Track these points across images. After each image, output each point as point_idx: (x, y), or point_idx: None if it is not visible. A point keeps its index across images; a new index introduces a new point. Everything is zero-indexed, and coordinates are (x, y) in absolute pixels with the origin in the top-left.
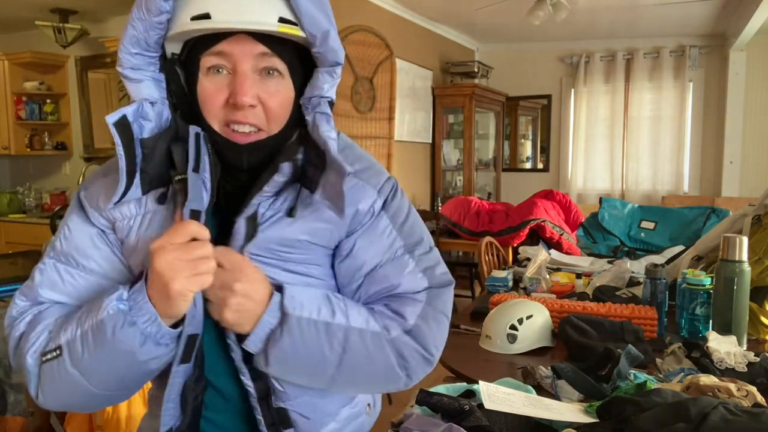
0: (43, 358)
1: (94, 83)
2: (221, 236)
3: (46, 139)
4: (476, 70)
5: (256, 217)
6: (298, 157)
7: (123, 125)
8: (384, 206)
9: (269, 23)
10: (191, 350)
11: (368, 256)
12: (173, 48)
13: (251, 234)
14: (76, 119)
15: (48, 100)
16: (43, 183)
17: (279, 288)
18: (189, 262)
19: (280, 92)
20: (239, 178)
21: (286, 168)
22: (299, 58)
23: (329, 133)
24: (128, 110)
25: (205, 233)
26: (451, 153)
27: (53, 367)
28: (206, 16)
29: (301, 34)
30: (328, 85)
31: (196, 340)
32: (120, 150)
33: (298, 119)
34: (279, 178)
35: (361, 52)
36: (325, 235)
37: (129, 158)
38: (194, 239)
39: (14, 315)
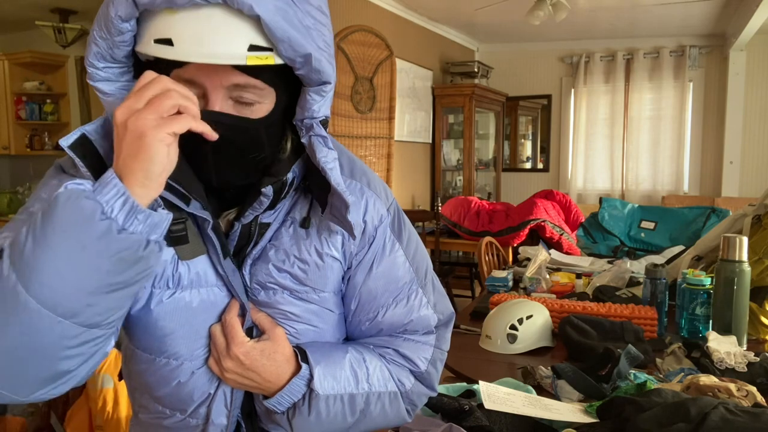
0: None
1: None
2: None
3: (46, 139)
4: (476, 70)
5: (255, 225)
6: (287, 177)
7: (82, 145)
8: (392, 228)
9: (237, 55)
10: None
11: (382, 288)
12: (147, 55)
13: (247, 240)
14: (76, 119)
15: (48, 100)
16: None
17: (302, 353)
18: (155, 111)
19: (255, 114)
20: (224, 197)
21: (268, 191)
22: (284, 71)
23: (327, 160)
24: (88, 129)
25: (176, 84)
26: (451, 153)
27: None
28: (168, 42)
29: (276, 61)
30: (317, 105)
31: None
32: (84, 170)
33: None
34: (264, 199)
35: (361, 52)
36: (337, 243)
37: (98, 176)
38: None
39: None
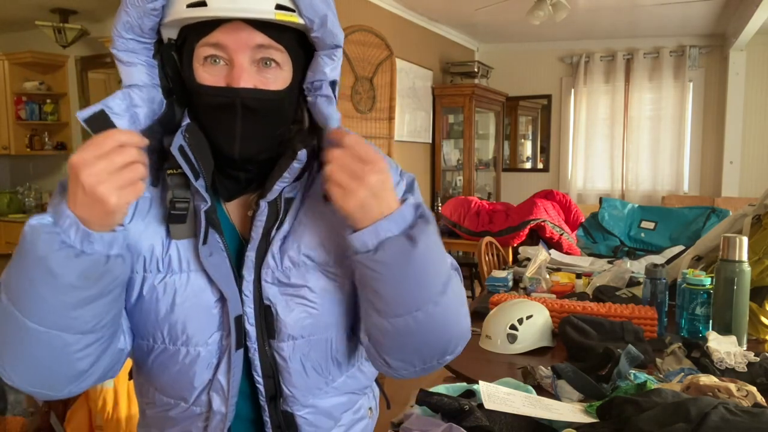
0: None
1: (94, 83)
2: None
3: (46, 139)
4: (476, 70)
5: (280, 201)
6: (313, 143)
7: (99, 120)
8: (407, 189)
9: (266, 11)
10: (242, 334)
11: None
12: (170, 33)
13: (275, 220)
14: (76, 119)
15: (48, 100)
16: (43, 183)
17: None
18: (117, 172)
19: (278, 82)
20: (237, 178)
21: (302, 155)
22: (299, 43)
23: (332, 117)
24: (112, 102)
25: (133, 138)
26: (451, 153)
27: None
28: (202, 4)
29: (299, 20)
30: (329, 68)
31: (242, 320)
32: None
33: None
34: (297, 165)
35: (361, 52)
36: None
37: None
38: (120, 146)
39: None
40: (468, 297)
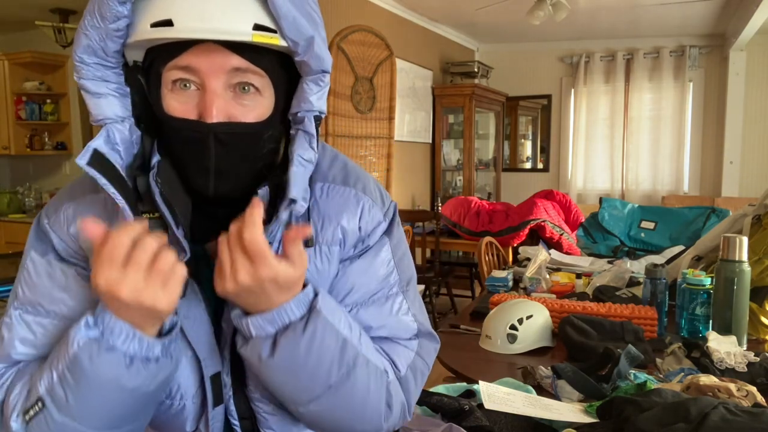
0: (27, 417)
1: None
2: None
3: (46, 139)
4: (476, 70)
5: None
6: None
7: (99, 160)
8: (387, 232)
9: (243, 32)
10: (220, 390)
11: (360, 282)
12: (135, 55)
13: None
14: (76, 119)
15: (48, 100)
16: (43, 183)
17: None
18: (149, 271)
19: (256, 110)
20: (215, 215)
21: (264, 192)
22: (282, 64)
23: (302, 157)
24: (98, 143)
25: (137, 228)
26: (451, 153)
27: (41, 423)
28: (168, 23)
29: (280, 42)
30: (315, 96)
31: (220, 377)
32: (110, 189)
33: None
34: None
35: (361, 52)
36: (335, 255)
37: (124, 192)
38: (134, 243)
39: None
40: (468, 297)
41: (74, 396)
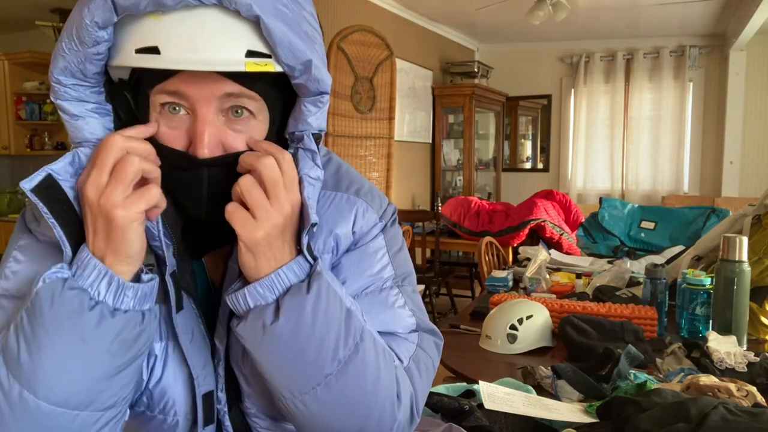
0: None
1: None
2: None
3: (46, 139)
4: (476, 70)
5: None
6: None
7: (47, 188)
8: (383, 230)
9: (234, 61)
10: (211, 409)
11: (353, 275)
12: (120, 74)
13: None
14: None
15: (48, 100)
16: None
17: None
18: (122, 183)
19: (249, 134)
20: (207, 235)
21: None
22: (277, 84)
23: (309, 176)
24: (57, 167)
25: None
26: (451, 153)
27: None
28: (154, 50)
29: (276, 68)
30: (313, 117)
31: (212, 396)
32: (50, 219)
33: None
34: None
35: (361, 52)
36: (326, 262)
37: (67, 228)
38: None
39: None
40: (468, 297)
41: (27, 349)
